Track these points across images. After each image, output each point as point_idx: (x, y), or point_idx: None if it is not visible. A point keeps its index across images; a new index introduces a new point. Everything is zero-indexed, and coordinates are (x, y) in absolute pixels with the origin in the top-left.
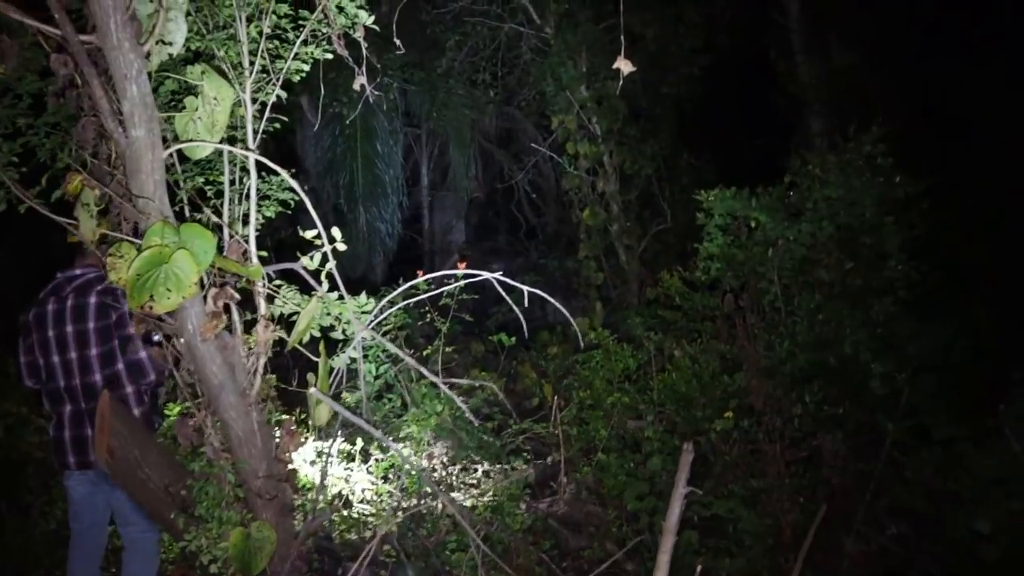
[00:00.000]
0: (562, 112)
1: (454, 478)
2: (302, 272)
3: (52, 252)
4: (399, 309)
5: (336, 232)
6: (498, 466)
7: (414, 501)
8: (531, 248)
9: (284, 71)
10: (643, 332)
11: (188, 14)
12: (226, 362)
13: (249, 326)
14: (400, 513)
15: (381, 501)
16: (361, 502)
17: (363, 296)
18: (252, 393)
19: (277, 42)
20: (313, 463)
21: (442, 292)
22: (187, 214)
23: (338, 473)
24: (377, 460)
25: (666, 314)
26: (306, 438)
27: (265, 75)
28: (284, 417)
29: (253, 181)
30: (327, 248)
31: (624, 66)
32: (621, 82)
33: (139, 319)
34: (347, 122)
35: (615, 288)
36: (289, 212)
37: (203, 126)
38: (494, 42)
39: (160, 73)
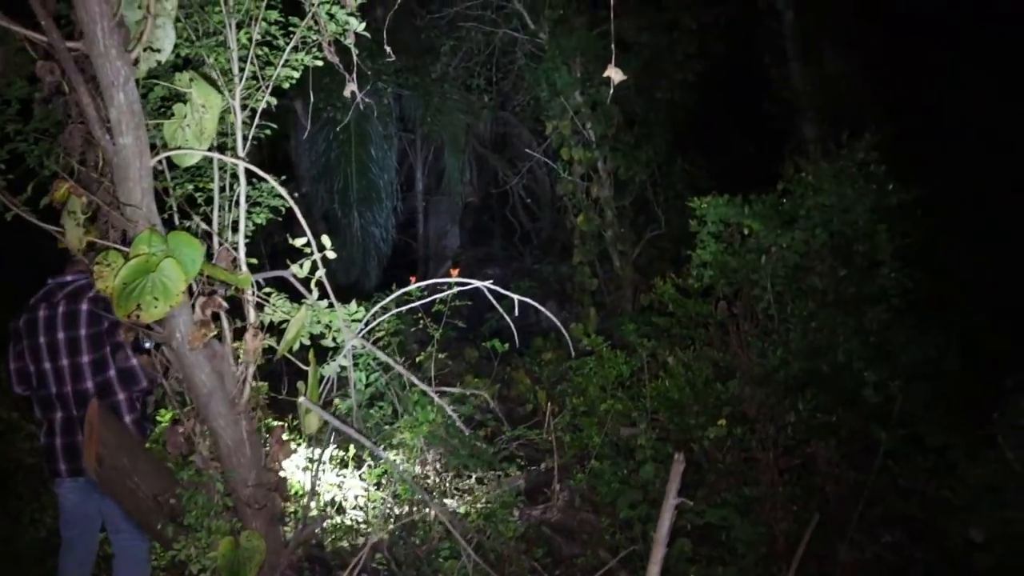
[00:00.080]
0: (556, 117)
1: (447, 484)
2: (292, 280)
3: (42, 258)
4: (392, 315)
5: (326, 240)
6: (491, 473)
7: (406, 508)
8: (526, 253)
9: (274, 78)
10: (637, 339)
11: (177, 20)
12: (215, 370)
13: (239, 334)
14: (392, 521)
15: (374, 508)
16: (354, 508)
17: (353, 304)
18: (241, 401)
19: (267, 49)
20: (305, 470)
21: (435, 299)
22: (176, 221)
23: (331, 480)
24: (369, 467)
25: (660, 321)
26: (298, 445)
27: (255, 82)
28: (275, 424)
29: (242, 188)
30: (316, 256)
31: (615, 74)
32: (612, 90)
33: (127, 327)
34: (341, 127)
35: (609, 294)
36: (280, 219)
37: (191, 133)
38: (489, 47)
39: (149, 80)
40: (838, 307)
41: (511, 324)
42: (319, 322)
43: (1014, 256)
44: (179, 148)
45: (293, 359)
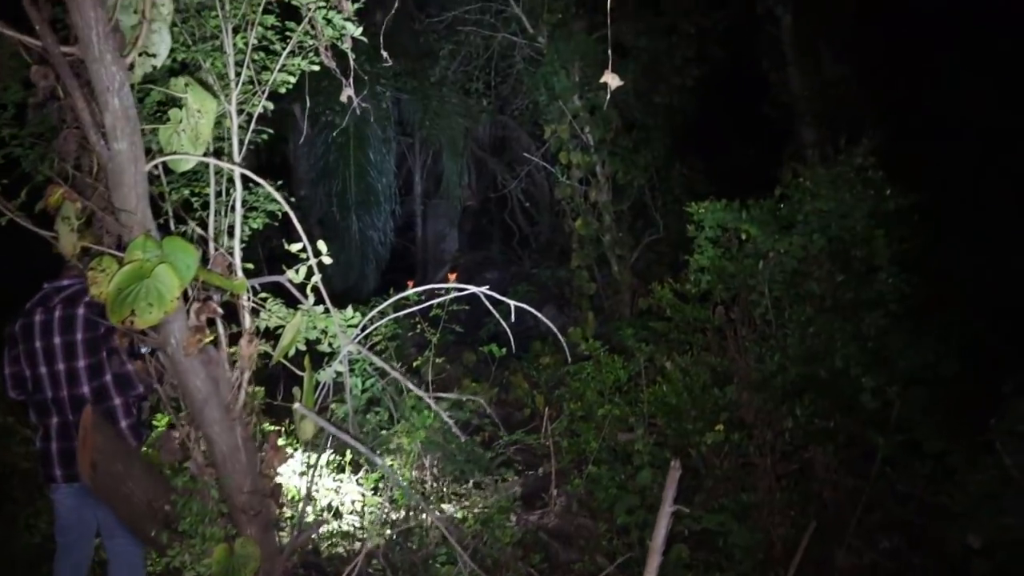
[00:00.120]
0: (555, 122)
1: (444, 489)
2: (288, 285)
3: (38, 262)
4: (389, 320)
5: (322, 245)
6: (488, 478)
7: (403, 513)
8: (524, 257)
9: (270, 83)
10: (634, 343)
11: (174, 25)
12: (210, 376)
13: (235, 339)
14: (388, 527)
15: (371, 513)
16: (351, 513)
17: (349, 310)
18: (236, 407)
19: (263, 54)
20: (302, 475)
21: (431, 304)
22: (172, 226)
23: (328, 484)
24: (367, 471)
25: (657, 326)
26: (295, 450)
27: (252, 86)
28: (272, 428)
29: (238, 193)
30: (312, 261)
31: (611, 80)
32: (609, 96)
33: (122, 332)
34: (339, 130)
35: (607, 298)
36: (276, 224)
37: (187, 138)
38: (487, 51)
39: (145, 85)
40: (836, 312)
41: (507, 328)
42: (315, 327)
43: (1012, 260)
44: (175, 153)
45: (288, 364)
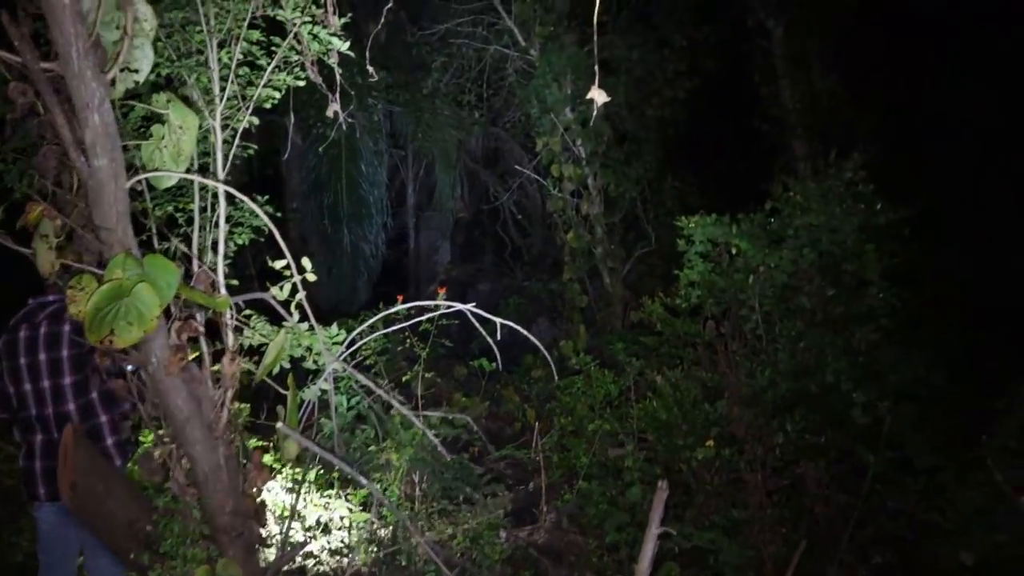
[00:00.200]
0: (547, 134)
1: (434, 504)
2: (272, 302)
3: (21, 277)
4: (379, 335)
5: (306, 262)
6: (478, 494)
7: (391, 530)
8: (517, 269)
9: (254, 98)
10: (625, 358)
11: (158, 40)
12: (192, 395)
13: (219, 357)
14: (375, 546)
15: (360, 529)
16: (339, 529)
17: (334, 327)
18: (219, 427)
19: (248, 69)
20: (290, 491)
21: (420, 320)
22: (156, 244)
23: (316, 500)
24: (354, 488)
25: (648, 340)
26: (282, 466)
27: (237, 102)
28: (257, 444)
29: (222, 210)
30: (296, 279)
31: (598, 96)
32: (596, 110)
33: (102, 351)
34: (331, 143)
35: (599, 311)
36: (262, 240)
37: (169, 155)
38: (480, 64)
39: (128, 100)
40: (826, 327)
41: (493, 346)
42: (300, 345)
43: (1005, 274)
44: (156, 170)
45: (272, 383)
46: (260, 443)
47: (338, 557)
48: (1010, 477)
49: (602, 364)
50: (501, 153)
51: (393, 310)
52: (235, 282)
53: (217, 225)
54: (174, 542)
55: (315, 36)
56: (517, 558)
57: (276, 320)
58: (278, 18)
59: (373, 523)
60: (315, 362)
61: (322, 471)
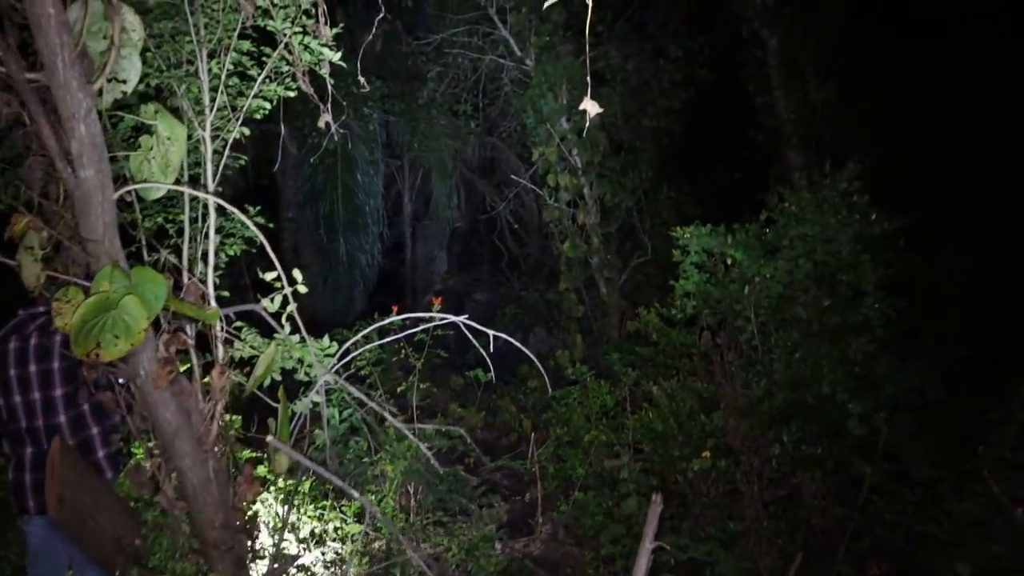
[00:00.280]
0: (543, 144)
1: (429, 516)
2: (263, 314)
3: (10, 287)
4: (374, 346)
5: (297, 274)
6: (473, 504)
7: (385, 542)
8: (513, 279)
9: (244, 109)
10: (621, 368)
11: (147, 50)
12: (181, 408)
13: (210, 369)
14: (368, 559)
15: (354, 540)
16: (334, 540)
17: (326, 339)
18: (209, 440)
19: (238, 79)
20: (284, 502)
21: (415, 331)
22: (145, 255)
23: (311, 512)
24: (347, 500)
25: (643, 351)
26: (276, 478)
27: (228, 112)
28: (249, 455)
29: (212, 222)
30: (287, 290)
31: (590, 107)
32: (588, 121)
33: (90, 364)
34: (327, 153)
35: (596, 321)
36: (254, 250)
37: (157, 166)
38: (475, 74)
39: (117, 111)
40: (822, 337)
41: (486, 357)
42: (291, 357)
43: (1000, 283)
44: (145, 182)
45: (263, 396)
46: (253, 455)
47: (332, 569)
48: (1007, 488)
49: (598, 374)
50: (497, 163)
51: (387, 321)
52: (226, 293)
53: (207, 236)
54: (163, 556)
55: (306, 47)
56: (512, 570)
57: (269, 332)
58: (268, 28)
59: (368, 534)
60: (307, 374)
61: (316, 482)
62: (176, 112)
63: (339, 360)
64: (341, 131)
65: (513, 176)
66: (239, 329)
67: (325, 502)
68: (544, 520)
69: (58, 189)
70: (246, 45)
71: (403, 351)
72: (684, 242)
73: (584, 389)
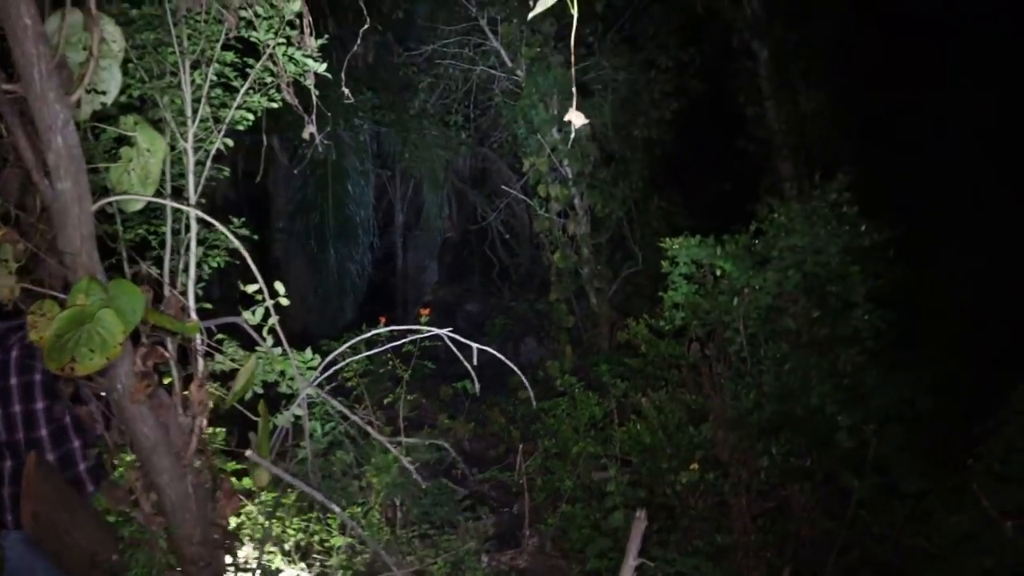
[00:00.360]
0: (533, 154)
1: (414, 529)
2: (245, 326)
3: None
4: (362, 358)
5: (279, 286)
6: (460, 516)
7: (370, 555)
8: (504, 289)
9: (227, 120)
10: (610, 379)
11: (129, 61)
12: (159, 423)
13: (190, 382)
14: (351, 574)
15: (341, 554)
16: (319, 554)
17: (308, 351)
18: (188, 454)
19: (221, 90)
20: (268, 516)
21: (404, 342)
22: (126, 268)
23: (296, 524)
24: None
25: (632, 362)
26: (260, 490)
27: (211, 123)
28: (231, 467)
29: (193, 234)
30: (269, 303)
31: (576, 119)
32: (576, 133)
33: (66, 378)
34: (318, 163)
35: (586, 331)
36: (237, 262)
37: (136, 178)
38: (466, 84)
39: (98, 122)
40: (811, 349)
41: (471, 371)
42: (273, 370)
43: (989, 294)
44: (125, 193)
45: (244, 410)
46: (237, 467)
47: None
48: (996, 501)
49: (588, 385)
50: (488, 173)
51: (372, 333)
52: (208, 306)
53: (189, 248)
54: (140, 572)
55: (291, 58)
56: None
57: (253, 345)
58: (251, 39)
59: (355, 548)
60: (289, 387)
61: (301, 495)
62: (159, 123)
63: (323, 372)
64: (325, 142)
65: (504, 186)
66: (220, 342)
67: (311, 514)
68: (531, 533)
69: (35, 201)
70: (229, 56)
71: (391, 362)
72: (673, 253)
73: (572, 400)
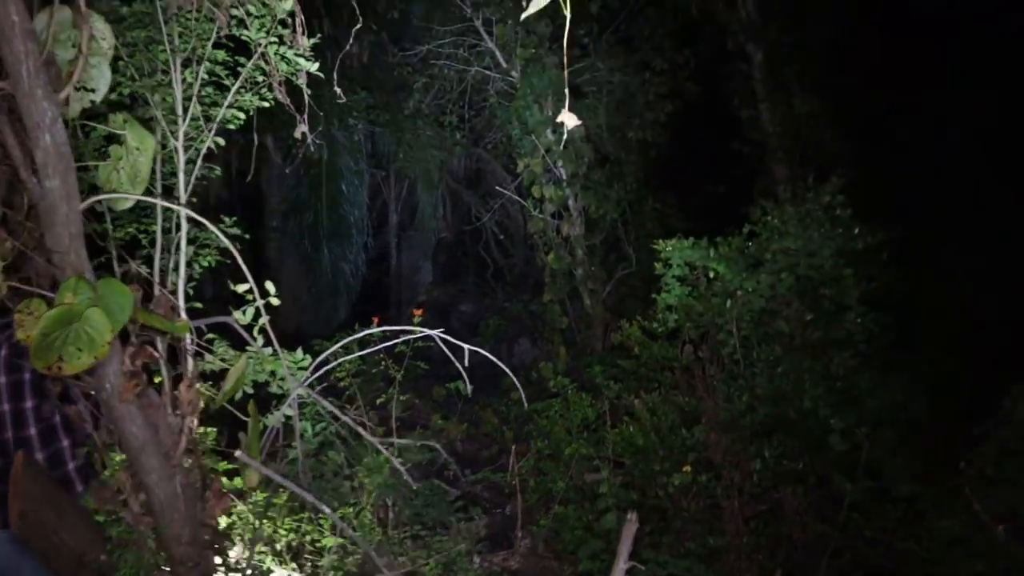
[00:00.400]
0: (528, 155)
1: (406, 530)
2: (236, 326)
3: None
4: (354, 358)
5: (270, 286)
6: (453, 517)
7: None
8: (498, 290)
9: (218, 119)
10: (603, 380)
11: (119, 59)
12: (148, 422)
13: (180, 381)
14: (342, 574)
15: (333, 554)
16: (311, 554)
17: (299, 352)
18: (177, 454)
19: (212, 89)
20: (259, 515)
21: (396, 343)
22: (116, 267)
23: (288, 523)
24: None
25: (625, 364)
26: (251, 490)
27: (201, 122)
28: (222, 467)
29: (183, 233)
30: (259, 303)
31: (568, 120)
32: (569, 134)
33: (54, 378)
34: (312, 163)
35: (580, 332)
36: (228, 261)
37: (126, 176)
38: (461, 85)
39: (87, 120)
40: (804, 352)
41: (462, 371)
42: (263, 370)
43: (983, 297)
44: (113, 192)
45: (234, 410)
46: (228, 467)
47: None
48: (988, 506)
49: (581, 387)
50: (483, 174)
51: (364, 333)
52: (199, 305)
53: (179, 247)
54: (128, 573)
55: (283, 57)
56: None
57: (243, 345)
58: (243, 38)
59: (347, 548)
60: (280, 387)
61: (292, 495)
62: (149, 122)
63: (314, 372)
64: (319, 142)
65: (498, 187)
66: (211, 341)
67: (302, 515)
68: (524, 534)
69: (23, 199)
70: (221, 55)
71: (384, 363)
72: (666, 255)
73: (566, 402)
